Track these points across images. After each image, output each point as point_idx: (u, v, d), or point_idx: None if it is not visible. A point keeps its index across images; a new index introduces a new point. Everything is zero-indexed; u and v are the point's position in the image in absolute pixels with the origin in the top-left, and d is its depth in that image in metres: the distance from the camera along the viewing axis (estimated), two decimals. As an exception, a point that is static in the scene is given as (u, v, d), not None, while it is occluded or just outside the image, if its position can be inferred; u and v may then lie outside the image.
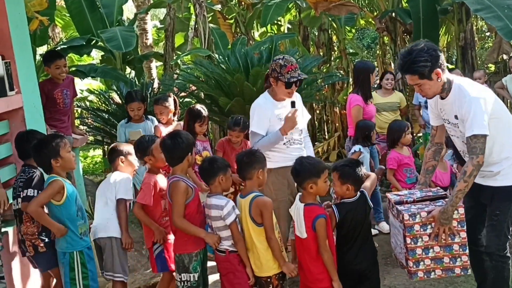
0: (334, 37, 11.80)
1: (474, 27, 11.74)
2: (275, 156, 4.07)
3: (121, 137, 5.62)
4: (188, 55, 9.48)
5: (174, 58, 9.69)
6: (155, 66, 12.27)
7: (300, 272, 3.47)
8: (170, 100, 5.37)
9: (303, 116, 4.22)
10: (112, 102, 8.48)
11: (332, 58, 11.34)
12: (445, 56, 3.31)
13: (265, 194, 4.04)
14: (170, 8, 9.81)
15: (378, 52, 13.28)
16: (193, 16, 10.21)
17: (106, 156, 9.56)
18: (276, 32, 12.45)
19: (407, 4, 8.99)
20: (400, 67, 3.28)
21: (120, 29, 8.24)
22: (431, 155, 3.62)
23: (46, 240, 3.72)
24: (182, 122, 5.35)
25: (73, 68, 8.77)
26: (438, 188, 3.73)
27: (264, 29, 12.26)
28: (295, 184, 3.78)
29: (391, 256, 4.25)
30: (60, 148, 3.53)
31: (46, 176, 3.66)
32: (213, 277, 4.15)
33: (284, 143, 4.05)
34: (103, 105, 8.72)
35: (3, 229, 3.72)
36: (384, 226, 5.40)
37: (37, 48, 8.76)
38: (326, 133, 10.98)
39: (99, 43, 8.82)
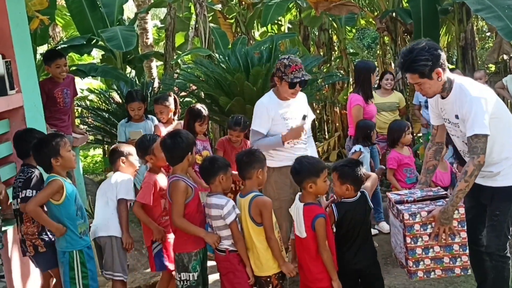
0: (334, 37, 11.80)
1: (475, 27, 11.74)
2: (278, 155, 4.08)
3: (122, 136, 5.62)
4: (188, 55, 9.48)
5: (175, 57, 9.69)
6: (156, 66, 12.27)
7: (300, 272, 3.47)
8: (170, 100, 5.37)
9: (310, 118, 4.23)
10: (112, 101, 8.48)
11: (333, 58, 11.34)
12: (445, 56, 3.30)
13: (268, 192, 4.05)
14: (171, 7, 9.81)
15: (378, 52, 13.28)
16: (194, 16, 10.21)
17: (107, 156, 9.60)
18: (276, 32, 12.45)
19: (407, 4, 8.99)
20: (401, 66, 3.28)
21: (120, 28, 8.25)
22: (432, 154, 3.61)
23: (47, 239, 3.72)
24: (182, 122, 5.35)
25: (74, 68, 8.78)
26: (439, 187, 3.73)
27: (264, 28, 12.26)
28: None
29: (391, 256, 4.25)
30: (60, 147, 3.52)
31: (45, 176, 3.66)
32: (213, 277, 4.15)
33: (287, 142, 4.06)
34: (104, 104, 8.72)
35: (3, 228, 3.72)
36: (384, 226, 5.40)
37: (37, 47, 8.77)
38: (326, 133, 10.98)
39: (100, 42, 8.82)
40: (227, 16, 10.95)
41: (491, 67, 13.06)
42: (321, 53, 10.52)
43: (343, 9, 8.58)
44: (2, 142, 4.31)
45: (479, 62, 10.84)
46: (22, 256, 3.92)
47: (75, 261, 3.55)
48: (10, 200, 3.85)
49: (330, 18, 10.50)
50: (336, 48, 12.46)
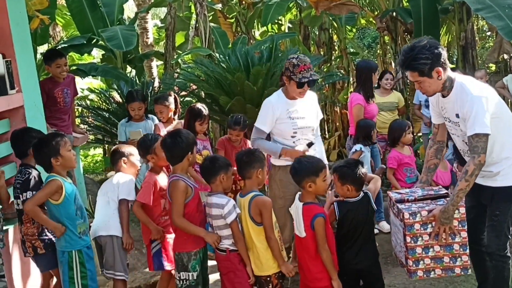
0: (334, 37, 11.80)
1: (475, 27, 11.74)
2: None
3: (122, 136, 5.63)
4: (188, 54, 9.49)
5: (175, 57, 9.70)
6: (156, 65, 12.28)
7: (300, 271, 3.47)
8: (170, 99, 5.37)
9: (317, 117, 4.23)
10: (112, 101, 8.49)
11: (333, 58, 11.34)
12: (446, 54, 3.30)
13: (273, 191, 4.06)
14: (171, 7, 9.81)
15: (378, 51, 13.29)
16: (194, 15, 10.21)
17: (107, 156, 9.61)
18: (276, 31, 12.44)
19: (407, 4, 8.99)
20: (401, 63, 3.28)
21: (120, 28, 8.25)
22: (433, 153, 3.61)
23: (47, 240, 3.71)
24: (182, 121, 5.35)
25: (74, 67, 8.78)
26: (440, 186, 3.72)
27: (264, 28, 12.25)
28: None
29: (391, 255, 4.25)
30: (60, 147, 3.52)
31: (45, 175, 3.65)
32: (214, 276, 4.15)
33: (294, 142, 4.06)
34: (104, 104, 8.72)
35: (4, 227, 3.72)
36: (384, 225, 5.40)
37: (38, 47, 8.77)
38: (326, 133, 10.99)
39: (100, 42, 8.83)
40: (228, 15, 10.95)
41: (491, 67, 13.06)
42: (322, 53, 10.52)
43: (343, 9, 8.58)
44: (3, 141, 4.31)
45: (480, 61, 10.85)
46: (22, 256, 3.92)
47: (74, 261, 3.54)
48: (11, 199, 3.84)
49: (331, 18, 10.49)
50: (336, 47, 12.45)
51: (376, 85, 5.94)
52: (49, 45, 11.32)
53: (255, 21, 10.90)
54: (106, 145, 9.72)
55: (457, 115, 3.26)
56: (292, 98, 4.08)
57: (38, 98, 4.76)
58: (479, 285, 3.65)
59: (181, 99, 7.68)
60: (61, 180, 3.51)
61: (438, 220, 3.16)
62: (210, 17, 9.62)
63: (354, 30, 14.50)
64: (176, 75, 8.88)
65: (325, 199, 3.66)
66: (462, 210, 3.19)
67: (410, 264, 3.25)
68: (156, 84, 8.64)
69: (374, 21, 10.30)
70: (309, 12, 10.51)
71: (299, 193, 3.50)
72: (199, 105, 5.22)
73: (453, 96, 3.26)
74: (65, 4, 10.19)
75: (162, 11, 16.56)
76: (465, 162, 3.29)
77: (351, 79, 10.60)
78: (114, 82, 8.50)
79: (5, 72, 4.18)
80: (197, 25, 8.60)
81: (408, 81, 8.88)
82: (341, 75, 9.84)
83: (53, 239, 3.70)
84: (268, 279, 3.44)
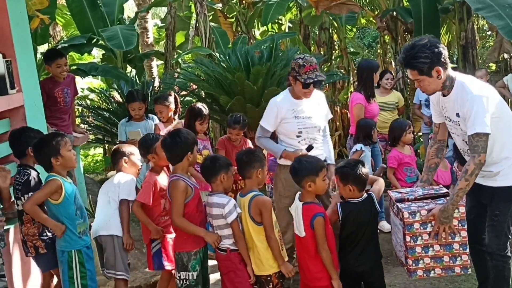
0: (335, 36, 11.79)
1: (475, 26, 11.73)
2: None
3: (122, 135, 5.63)
4: (189, 54, 9.49)
5: (175, 56, 9.70)
6: (156, 65, 12.28)
7: (300, 271, 3.47)
8: (170, 99, 5.38)
9: (325, 117, 4.22)
10: (113, 100, 8.49)
11: (333, 57, 11.34)
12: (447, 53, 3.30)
13: (278, 190, 4.06)
14: (171, 6, 9.81)
15: (379, 51, 13.28)
16: (194, 15, 10.21)
17: (107, 155, 9.62)
18: (277, 31, 12.44)
19: (408, 3, 8.99)
20: (402, 61, 3.28)
21: (121, 27, 8.25)
22: (434, 152, 3.60)
23: (47, 240, 3.71)
24: (182, 121, 5.36)
25: (74, 67, 8.78)
26: (441, 186, 3.72)
27: (265, 28, 12.25)
28: None
29: (392, 255, 4.25)
30: (61, 146, 3.52)
31: (45, 175, 3.65)
32: (214, 276, 4.15)
33: (299, 141, 4.06)
34: (104, 103, 8.73)
35: (5, 227, 3.71)
36: (384, 225, 5.40)
37: (38, 47, 8.78)
38: (326, 132, 10.97)
39: (100, 41, 8.83)
40: (228, 15, 10.95)
41: (491, 66, 13.07)
42: (322, 52, 10.52)
43: (344, 8, 8.58)
44: (3, 141, 4.31)
45: (480, 61, 10.85)
46: (23, 255, 3.93)
47: (74, 261, 3.54)
48: (12, 198, 3.84)
49: (331, 17, 10.49)
50: (336, 47, 12.45)
51: (376, 85, 5.93)
52: (49, 44, 11.33)
53: (255, 20, 10.90)
54: (107, 145, 9.72)
55: (458, 115, 3.25)
56: (298, 98, 4.08)
57: (38, 98, 4.76)
58: (480, 285, 3.65)
59: (181, 99, 7.68)
60: (61, 180, 3.51)
61: (437, 219, 3.16)
62: (210, 17, 9.62)
63: (354, 29, 14.50)
64: (176, 74, 8.89)
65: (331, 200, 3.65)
66: (462, 209, 3.19)
67: (410, 264, 3.25)
68: (156, 83, 8.64)
69: (374, 21, 10.30)
70: (309, 12, 10.51)
71: (299, 192, 3.50)
72: (199, 105, 5.22)
73: (453, 95, 3.25)
74: (65, 4, 10.20)
75: (162, 10, 16.56)
76: (465, 162, 3.29)
77: (351, 78, 10.60)
78: (114, 82, 8.50)
79: (5, 71, 4.18)
80: (197, 25, 8.60)
81: (408, 80, 8.88)
82: (341, 74, 9.83)
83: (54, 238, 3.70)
84: (269, 278, 3.44)
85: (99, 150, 12.57)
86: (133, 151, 4.07)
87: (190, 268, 3.48)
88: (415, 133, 7.51)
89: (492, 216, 3.35)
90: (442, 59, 3.17)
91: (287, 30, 12.22)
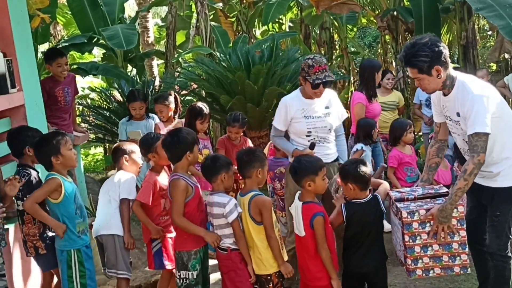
0: (335, 36, 11.82)
1: (476, 26, 11.73)
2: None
3: (123, 135, 5.64)
4: (189, 53, 9.52)
5: (176, 56, 9.71)
6: (157, 64, 12.28)
7: (300, 271, 3.47)
8: (171, 99, 5.38)
9: (338, 116, 4.21)
10: (113, 100, 8.50)
11: (334, 57, 11.35)
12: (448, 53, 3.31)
13: (289, 188, 4.05)
14: (172, 6, 9.82)
15: (379, 50, 13.28)
16: (195, 14, 10.22)
17: (108, 154, 9.62)
18: (277, 30, 12.46)
19: (408, 3, 8.99)
20: (402, 58, 3.28)
21: (121, 27, 8.26)
22: (435, 152, 3.59)
23: (48, 240, 3.70)
24: (183, 120, 5.36)
25: (75, 66, 8.79)
26: (441, 185, 3.71)
27: (265, 27, 12.26)
28: None
29: (392, 255, 4.24)
30: (61, 145, 3.52)
31: (45, 175, 3.65)
32: (215, 275, 4.16)
33: (308, 141, 4.07)
34: (104, 103, 8.74)
35: (5, 226, 3.72)
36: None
37: (38, 46, 8.78)
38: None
39: (101, 41, 8.83)
40: (228, 14, 10.96)
41: (492, 66, 13.06)
42: (322, 52, 10.55)
43: (344, 8, 8.58)
44: (3, 140, 4.31)
45: (480, 61, 10.85)
46: (23, 255, 3.93)
47: (73, 260, 3.54)
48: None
49: (331, 17, 10.51)
50: (337, 46, 12.47)
51: (377, 85, 5.93)
52: (50, 44, 11.32)
53: (256, 20, 10.91)
54: (107, 144, 9.72)
55: (458, 114, 3.25)
56: (309, 98, 4.09)
57: (39, 97, 4.77)
58: (480, 285, 3.65)
59: (182, 98, 7.69)
60: (61, 179, 3.51)
61: (436, 219, 3.15)
62: (211, 16, 9.63)
63: (355, 29, 14.50)
64: (177, 74, 8.90)
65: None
66: (461, 208, 3.18)
67: (409, 263, 3.25)
68: (157, 83, 8.66)
69: (375, 20, 10.31)
70: (310, 11, 10.51)
71: (298, 192, 3.50)
72: (200, 104, 5.22)
73: (454, 95, 3.25)
74: (66, 3, 10.20)
75: (163, 10, 16.57)
76: (465, 161, 3.29)
77: (351, 78, 10.61)
78: (115, 81, 8.51)
79: (6, 71, 4.18)
80: (198, 24, 8.61)
81: (409, 80, 8.88)
82: (341, 74, 9.84)
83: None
84: (269, 278, 3.44)
85: (100, 149, 12.57)
86: (134, 149, 4.06)
87: (190, 267, 3.48)
88: (415, 133, 7.51)
89: (493, 216, 3.34)
90: (442, 58, 3.16)
91: (287, 30, 12.24)
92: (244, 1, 10.41)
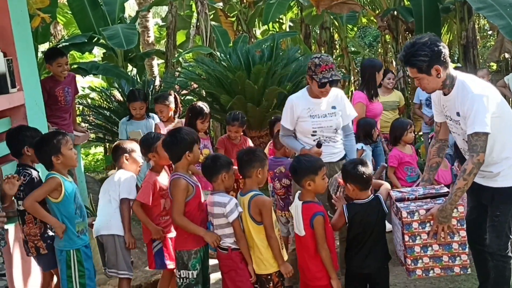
0: (335, 35, 11.82)
1: (476, 26, 11.74)
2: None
3: (123, 134, 5.64)
4: (189, 53, 9.52)
5: (176, 56, 9.71)
6: (157, 64, 12.29)
7: (300, 270, 3.47)
8: (171, 98, 5.39)
9: (346, 115, 4.20)
10: (113, 99, 8.51)
11: (334, 56, 11.35)
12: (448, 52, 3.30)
13: (296, 188, 4.04)
14: (172, 6, 9.82)
15: (379, 50, 13.28)
16: (195, 14, 10.22)
17: (108, 154, 9.63)
18: (277, 30, 12.46)
19: (409, 2, 9.00)
20: (402, 58, 3.28)
21: (122, 26, 8.26)
22: (435, 151, 3.59)
23: (49, 240, 3.70)
24: (183, 120, 5.36)
25: (75, 66, 8.79)
26: (442, 185, 3.71)
27: (265, 27, 12.26)
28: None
29: (392, 255, 4.25)
30: (62, 145, 3.52)
31: (45, 174, 3.65)
32: (215, 275, 4.15)
33: (314, 140, 4.07)
34: (105, 102, 8.74)
35: (5, 226, 3.72)
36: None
37: (39, 46, 8.79)
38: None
39: (101, 40, 8.84)
40: (229, 14, 10.96)
41: (492, 66, 13.06)
42: (323, 51, 10.54)
43: (344, 7, 8.59)
44: (3, 140, 4.31)
45: (481, 60, 10.85)
46: (23, 255, 3.93)
47: (72, 260, 3.53)
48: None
49: (332, 17, 10.51)
50: (337, 46, 12.47)
51: (378, 84, 5.92)
52: (50, 43, 11.33)
53: (256, 19, 10.92)
54: (107, 144, 9.73)
55: (458, 114, 3.24)
56: (316, 97, 4.09)
57: (39, 96, 4.77)
58: (480, 285, 3.65)
59: (182, 98, 7.70)
60: (61, 178, 3.51)
61: (436, 219, 3.15)
62: (211, 16, 9.64)
63: (355, 29, 14.50)
64: (177, 73, 8.91)
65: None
66: (461, 208, 3.18)
67: (408, 263, 3.25)
68: (157, 82, 8.66)
69: (375, 20, 10.32)
70: (310, 11, 10.52)
71: (298, 191, 3.50)
72: (201, 104, 5.22)
73: (454, 94, 3.24)
74: (66, 3, 10.20)
75: (163, 9, 16.57)
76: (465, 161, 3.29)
77: (352, 77, 10.60)
78: (115, 81, 8.51)
79: (6, 70, 4.18)
80: (198, 24, 8.62)
81: (409, 80, 8.89)
82: (342, 74, 9.83)
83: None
84: (269, 277, 3.44)
85: (100, 149, 12.58)
86: (134, 147, 4.06)
87: (190, 266, 3.49)
88: (415, 133, 7.52)
89: (493, 216, 3.33)
90: (442, 58, 3.16)
91: (288, 29, 12.24)
92: (245, 1, 10.41)
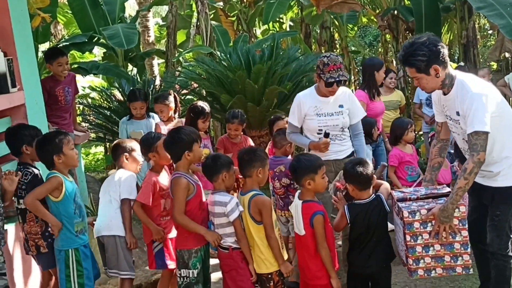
0: (336, 35, 11.82)
1: (477, 25, 11.74)
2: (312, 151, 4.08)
3: (123, 134, 5.64)
4: (190, 53, 9.53)
5: (176, 55, 9.71)
6: (157, 64, 12.29)
7: (300, 269, 3.47)
8: (171, 98, 5.39)
9: (354, 115, 4.18)
10: (114, 99, 8.50)
11: (334, 56, 11.33)
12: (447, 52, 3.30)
13: None
14: (172, 5, 9.82)
15: (380, 49, 13.28)
16: (195, 14, 10.22)
17: (108, 154, 9.62)
18: (278, 29, 12.46)
19: (409, 2, 8.99)
20: (401, 57, 3.28)
21: (122, 26, 8.27)
22: (437, 151, 3.58)
23: (50, 239, 3.70)
24: (183, 120, 5.36)
25: (75, 65, 8.80)
26: (444, 185, 3.70)
27: (266, 26, 12.26)
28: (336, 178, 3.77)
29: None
30: (63, 144, 3.52)
31: (45, 173, 3.65)
32: (216, 275, 4.15)
33: (319, 138, 4.07)
34: (105, 102, 8.74)
35: (5, 226, 3.72)
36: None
37: (39, 45, 8.79)
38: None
39: (101, 40, 8.84)
40: (229, 14, 10.97)
41: (493, 65, 13.06)
42: (323, 51, 10.55)
43: (345, 7, 8.59)
44: (3, 140, 4.31)
45: (481, 60, 10.84)
46: (23, 254, 3.93)
47: (71, 259, 3.53)
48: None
49: (332, 16, 10.51)
50: (337, 45, 12.46)
51: (379, 84, 5.92)
52: (51, 43, 11.33)
53: (256, 19, 10.92)
54: (107, 143, 9.73)
55: (458, 113, 3.23)
56: (324, 95, 4.10)
57: (40, 96, 4.77)
58: (481, 284, 3.65)
59: (182, 97, 7.70)
60: (62, 177, 3.51)
61: (437, 219, 3.14)
62: (212, 15, 9.64)
63: (355, 28, 14.51)
64: (177, 73, 8.91)
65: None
66: (462, 208, 3.17)
67: (410, 263, 3.24)
68: (158, 82, 8.67)
69: (375, 19, 10.32)
70: (311, 11, 10.52)
71: (298, 191, 3.50)
72: (201, 103, 5.22)
73: (453, 94, 3.24)
74: (66, 2, 10.21)
75: (164, 9, 16.56)
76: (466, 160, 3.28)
77: (352, 77, 10.60)
78: (116, 80, 8.52)
79: (7, 70, 4.18)
80: (198, 23, 8.62)
81: (409, 79, 8.89)
82: (342, 73, 9.83)
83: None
84: (270, 276, 3.44)
85: (100, 149, 12.58)
86: (134, 146, 4.05)
87: (191, 265, 3.49)
88: (416, 132, 7.52)
89: (493, 216, 3.33)
90: (441, 57, 3.15)
91: (288, 29, 12.24)
92: (245, 0, 10.42)
